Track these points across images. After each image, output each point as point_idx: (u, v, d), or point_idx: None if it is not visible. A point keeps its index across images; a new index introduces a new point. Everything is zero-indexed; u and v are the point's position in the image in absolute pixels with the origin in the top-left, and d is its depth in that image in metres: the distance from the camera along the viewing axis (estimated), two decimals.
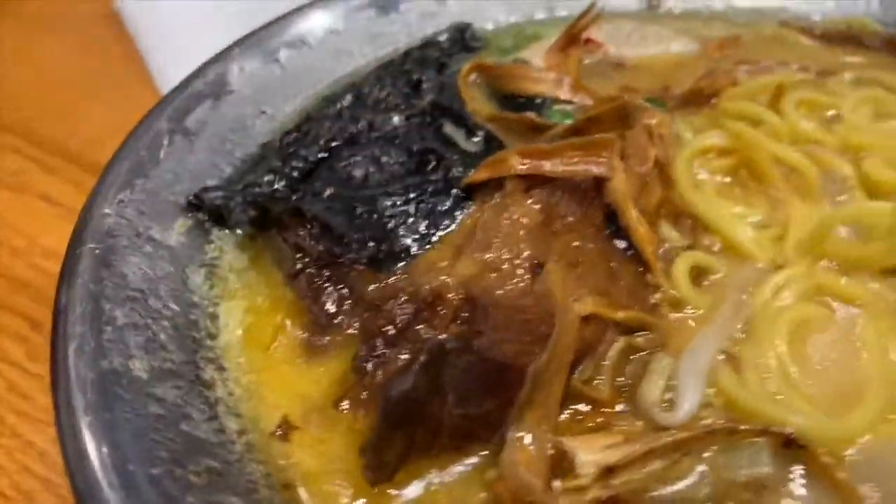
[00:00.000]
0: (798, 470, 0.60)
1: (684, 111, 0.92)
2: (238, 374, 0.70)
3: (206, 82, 0.92)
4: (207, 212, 0.81)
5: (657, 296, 0.73)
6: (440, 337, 0.62)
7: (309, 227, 0.76)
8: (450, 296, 0.68)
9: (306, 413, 0.67)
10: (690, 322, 0.72)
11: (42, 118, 1.36)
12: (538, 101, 0.98)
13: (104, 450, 0.56)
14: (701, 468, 0.60)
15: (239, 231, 0.82)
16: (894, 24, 1.11)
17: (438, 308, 0.68)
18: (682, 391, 0.65)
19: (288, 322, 0.74)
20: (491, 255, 0.72)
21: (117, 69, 1.53)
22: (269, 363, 0.72)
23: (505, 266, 0.71)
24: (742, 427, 0.61)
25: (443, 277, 0.69)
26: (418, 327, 0.67)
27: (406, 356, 0.66)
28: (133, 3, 1.66)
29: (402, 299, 0.68)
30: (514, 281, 0.70)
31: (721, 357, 0.68)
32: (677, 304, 0.73)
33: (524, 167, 0.79)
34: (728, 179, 0.86)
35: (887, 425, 0.63)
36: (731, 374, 0.67)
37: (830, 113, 0.90)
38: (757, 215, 0.81)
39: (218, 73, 0.94)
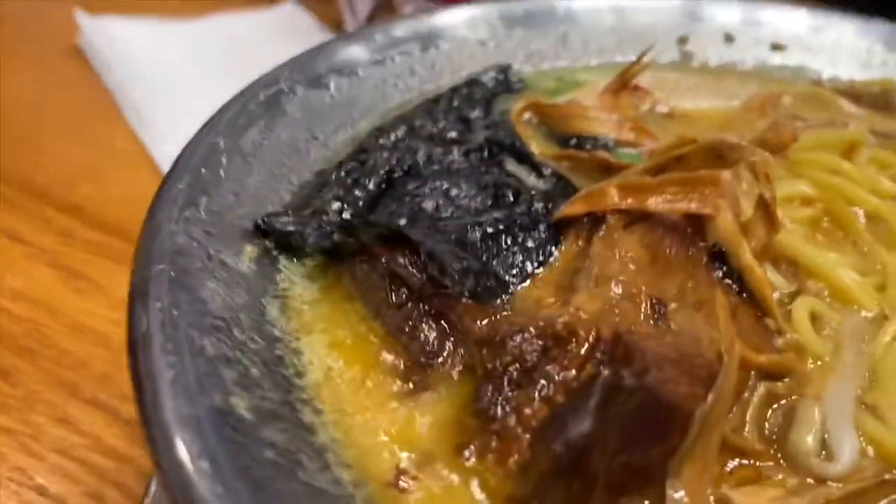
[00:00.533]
0: None
1: None
2: (335, 417, 0.61)
3: (258, 103, 0.84)
4: (276, 239, 0.73)
5: (780, 341, 0.69)
6: (614, 373, 0.55)
7: (409, 254, 0.68)
8: (582, 333, 0.61)
9: (422, 462, 0.59)
10: (817, 369, 0.67)
11: (6, 154, 1.26)
12: (599, 142, 0.94)
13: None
14: None
15: (307, 261, 0.73)
16: None
17: (569, 346, 0.61)
18: (837, 439, 0.60)
19: (380, 360, 0.66)
20: (612, 290, 0.66)
21: (83, 105, 1.48)
22: (363, 405, 0.63)
23: (627, 304, 0.66)
24: None
25: (571, 310, 0.62)
26: (548, 367, 0.60)
27: (537, 398, 0.59)
28: (98, 39, 1.60)
29: (528, 335, 0.61)
30: (641, 319, 0.65)
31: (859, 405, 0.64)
32: (800, 351, 0.68)
33: (626, 202, 0.74)
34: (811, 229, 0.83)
35: None
36: (874, 421, 0.62)
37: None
38: (848, 262, 0.79)
39: (268, 94, 0.86)
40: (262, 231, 0.72)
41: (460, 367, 0.65)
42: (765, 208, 0.76)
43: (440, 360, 0.65)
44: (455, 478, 0.57)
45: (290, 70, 0.90)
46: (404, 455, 0.59)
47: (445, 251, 0.68)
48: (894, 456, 0.60)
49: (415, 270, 0.67)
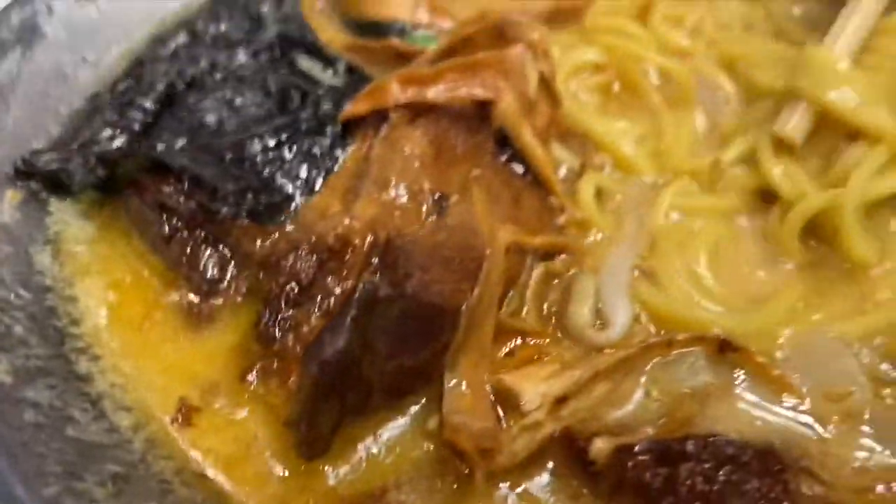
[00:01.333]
0: (737, 374, 0.59)
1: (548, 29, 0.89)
2: (115, 360, 0.60)
3: (11, 28, 0.77)
4: (41, 179, 0.68)
5: (562, 218, 0.70)
6: (368, 284, 0.55)
7: (174, 182, 0.65)
8: (357, 241, 0.61)
9: (206, 392, 0.59)
10: (598, 242, 0.70)
11: None
12: (396, 27, 0.91)
13: None
14: (644, 387, 0.59)
15: (83, 197, 0.70)
16: None
17: (345, 256, 0.61)
18: (611, 309, 0.63)
19: (162, 295, 0.64)
20: (391, 192, 0.66)
21: None
22: (147, 343, 0.62)
23: (408, 203, 0.66)
24: (678, 337, 0.60)
25: (346, 221, 0.62)
26: (326, 280, 0.60)
27: (318, 314, 0.59)
28: None
29: (302, 252, 0.60)
30: (422, 218, 0.65)
31: (636, 273, 0.67)
32: (583, 226, 0.70)
33: (407, 95, 0.72)
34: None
35: (804, 316, 0.64)
36: (650, 286, 0.65)
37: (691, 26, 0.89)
38: (636, 129, 0.80)
39: (23, 17, 0.79)
40: (23, 173, 0.68)
41: (244, 292, 0.64)
42: (546, 85, 0.76)
43: (223, 286, 0.64)
44: (239, 404, 0.58)
45: None
46: (190, 389, 0.59)
47: (216, 174, 0.66)
48: (666, 318, 0.64)
49: (183, 199, 0.65)
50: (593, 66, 0.84)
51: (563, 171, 0.75)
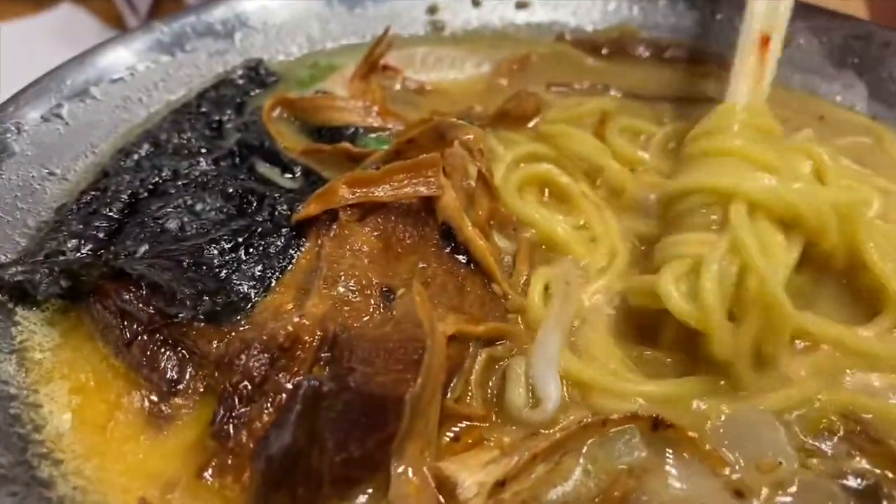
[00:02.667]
0: (671, 450, 0.63)
1: (495, 129, 0.95)
2: (78, 463, 0.62)
3: None
4: (8, 291, 0.72)
5: (505, 303, 0.74)
6: (312, 381, 0.58)
7: (134, 289, 0.69)
8: (307, 338, 0.65)
9: (165, 491, 0.61)
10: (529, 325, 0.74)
11: None
12: (349, 131, 0.97)
13: None
14: (582, 465, 0.62)
15: (48, 305, 0.73)
16: (654, 27, 1.21)
17: (296, 353, 0.64)
18: (542, 386, 0.67)
19: (124, 397, 0.67)
20: (340, 288, 0.70)
21: None
22: (109, 445, 0.64)
23: (357, 298, 0.70)
24: (613, 416, 0.63)
25: (295, 319, 0.65)
26: (278, 377, 0.63)
27: (271, 410, 0.62)
28: None
29: (255, 350, 0.64)
30: (370, 311, 0.69)
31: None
32: (523, 310, 0.74)
33: (355, 196, 0.77)
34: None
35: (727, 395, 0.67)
36: (573, 358, 0.69)
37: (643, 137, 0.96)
38: (572, 220, 0.85)
39: None
40: None
41: (202, 391, 0.67)
42: (484, 181, 0.81)
43: (181, 387, 0.67)
44: (196, 501, 0.60)
45: (13, 107, 0.87)
46: (150, 488, 0.61)
47: (174, 278, 0.70)
48: (592, 387, 0.67)
49: (142, 305, 0.68)
50: (535, 159, 0.90)
51: (507, 258, 0.80)
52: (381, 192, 0.78)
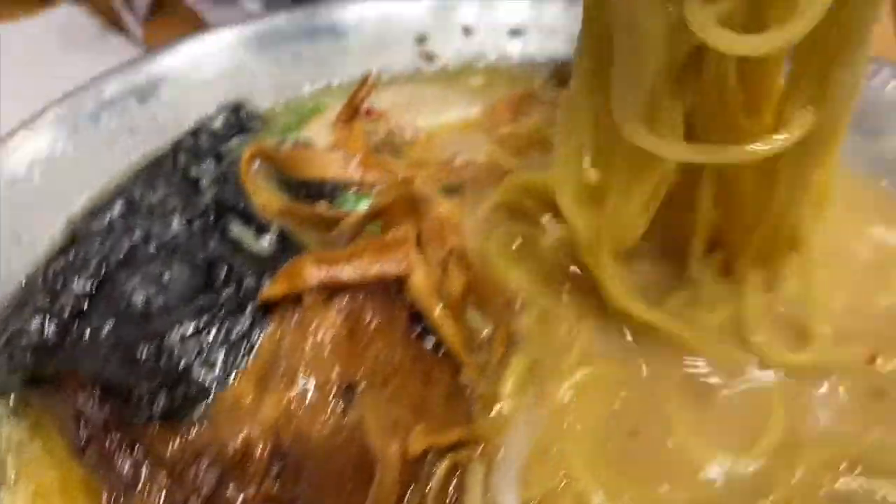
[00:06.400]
0: None
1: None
2: None
3: None
4: None
5: (473, 392, 0.72)
6: None
7: (88, 389, 0.68)
8: (258, 450, 0.63)
9: None
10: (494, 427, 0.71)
11: None
12: (328, 187, 0.94)
13: None
14: None
15: (12, 394, 0.72)
16: None
17: (247, 465, 0.63)
18: (500, 498, 0.64)
19: (84, 499, 0.66)
20: (299, 385, 0.68)
21: None
22: None
23: (314, 397, 0.67)
24: None
25: (246, 430, 0.64)
26: (227, 491, 0.62)
27: None
28: None
29: (205, 463, 0.62)
30: (328, 412, 0.67)
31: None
32: (493, 399, 0.72)
33: (321, 275, 0.75)
34: None
35: None
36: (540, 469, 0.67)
37: None
38: None
39: None
40: None
41: (161, 495, 0.65)
42: (457, 254, 0.78)
43: (138, 490, 0.66)
44: None
45: None
46: None
47: (130, 374, 0.68)
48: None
49: (97, 406, 0.67)
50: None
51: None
52: (348, 273, 0.75)
